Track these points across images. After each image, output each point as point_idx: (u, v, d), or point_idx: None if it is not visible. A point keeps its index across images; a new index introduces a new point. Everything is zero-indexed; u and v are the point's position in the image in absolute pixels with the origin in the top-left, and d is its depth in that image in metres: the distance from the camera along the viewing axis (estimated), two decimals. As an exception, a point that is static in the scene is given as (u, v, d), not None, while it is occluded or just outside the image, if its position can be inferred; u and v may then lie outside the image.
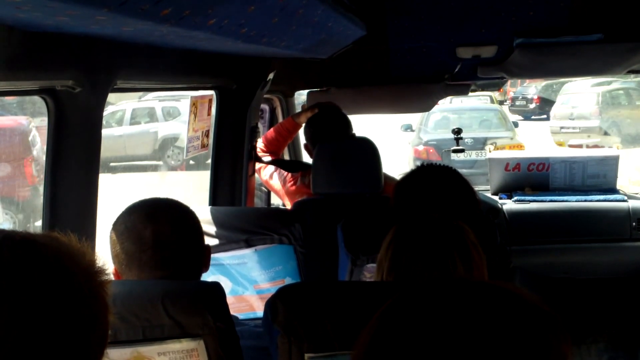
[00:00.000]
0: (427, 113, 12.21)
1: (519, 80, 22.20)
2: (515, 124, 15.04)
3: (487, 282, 0.83)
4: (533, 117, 22.97)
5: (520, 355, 0.73)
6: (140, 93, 13.61)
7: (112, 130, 13.57)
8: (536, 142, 16.47)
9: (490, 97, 19.56)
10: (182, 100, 14.02)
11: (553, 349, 0.75)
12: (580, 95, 18.11)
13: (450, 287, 0.80)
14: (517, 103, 24.03)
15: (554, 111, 18.78)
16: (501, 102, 21.70)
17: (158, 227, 1.67)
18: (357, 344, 0.80)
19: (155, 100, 14.68)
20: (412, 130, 13.97)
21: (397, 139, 15.00)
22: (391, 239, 1.65)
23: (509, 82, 24.47)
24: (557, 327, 0.77)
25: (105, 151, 2.00)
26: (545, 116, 22.64)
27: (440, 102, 17.26)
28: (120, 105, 14.29)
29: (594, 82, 18.06)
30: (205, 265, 1.79)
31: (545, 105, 22.70)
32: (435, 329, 0.74)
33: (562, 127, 17.70)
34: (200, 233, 1.79)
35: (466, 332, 0.73)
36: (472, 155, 12.14)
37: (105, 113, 1.98)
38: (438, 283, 0.82)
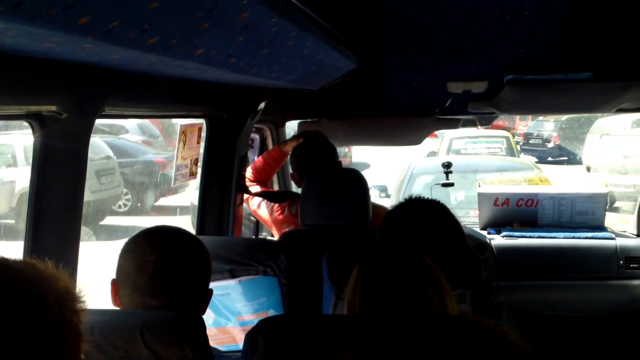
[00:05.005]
0: (410, 171, 8.24)
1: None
2: None
3: (462, 317, 0.83)
4: (550, 158, 19.78)
5: None
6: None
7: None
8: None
9: (507, 138, 14.44)
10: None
11: None
12: (631, 140, 13.27)
13: (426, 321, 0.80)
14: (532, 141, 20.80)
15: (597, 160, 14.15)
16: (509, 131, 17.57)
17: (162, 257, 1.67)
18: None
19: (16, 133, 9.39)
20: (388, 196, 7.67)
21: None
22: (357, 276, 1.64)
23: (517, 117, 22.93)
24: None
25: None
26: (565, 158, 19.70)
27: (434, 149, 15.68)
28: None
29: (634, 117, 12.57)
30: (202, 307, 1.77)
31: (564, 144, 19.81)
32: None
33: (610, 184, 11.13)
34: (207, 273, 1.78)
35: None
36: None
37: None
38: (412, 317, 0.81)
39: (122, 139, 12.80)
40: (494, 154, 13.66)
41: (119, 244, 1.77)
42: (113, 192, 10.94)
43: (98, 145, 10.70)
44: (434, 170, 7.70)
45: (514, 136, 17.59)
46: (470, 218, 4.97)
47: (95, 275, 3.16)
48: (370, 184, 3.10)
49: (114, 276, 1.72)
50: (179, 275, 1.68)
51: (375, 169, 14.38)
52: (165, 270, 1.66)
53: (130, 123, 13.09)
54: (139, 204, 11.52)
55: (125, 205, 11.30)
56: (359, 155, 18.28)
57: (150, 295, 1.65)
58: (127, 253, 1.69)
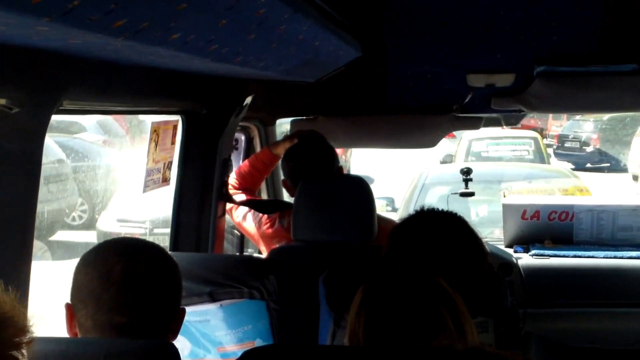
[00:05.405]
0: (422, 181, 8.02)
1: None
2: None
3: (484, 351, 0.83)
4: (589, 165, 19.57)
5: None
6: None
7: None
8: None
9: (535, 140, 14.82)
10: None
11: None
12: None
13: (443, 355, 0.81)
14: (567, 145, 20.69)
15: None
16: (541, 132, 17.67)
17: (130, 264, 1.69)
18: None
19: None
20: (395, 210, 7.85)
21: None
22: (361, 300, 1.65)
23: (550, 116, 22.86)
24: None
25: None
26: (607, 164, 19.50)
27: (450, 151, 15.46)
28: None
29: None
30: (174, 330, 1.79)
31: (605, 149, 19.53)
32: None
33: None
34: (178, 286, 1.80)
35: None
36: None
37: None
38: (428, 350, 0.82)
39: (77, 139, 12.49)
40: (520, 158, 13.84)
41: (73, 263, 1.77)
42: (65, 202, 10.78)
43: (47, 145, 10.19)
44: (450, 179, 7.45)
45: (545, 138, 17.80)
46: (495, 237, 4.94)
47: (45, 300, 3.15)
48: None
49: (67, 300, 1.73)
50: (149, 284, 1.70)
51: (380, 184, 14.10)
52: (134, 279, 1.68)
53: (89, 120, 12.71)
54: (97, 216, 11.13)
55: (80, 217, 11.10)
56: (358, 166, 17.83)
57: (119, 312, 1.66)
58: (87, 266, 1.71)
